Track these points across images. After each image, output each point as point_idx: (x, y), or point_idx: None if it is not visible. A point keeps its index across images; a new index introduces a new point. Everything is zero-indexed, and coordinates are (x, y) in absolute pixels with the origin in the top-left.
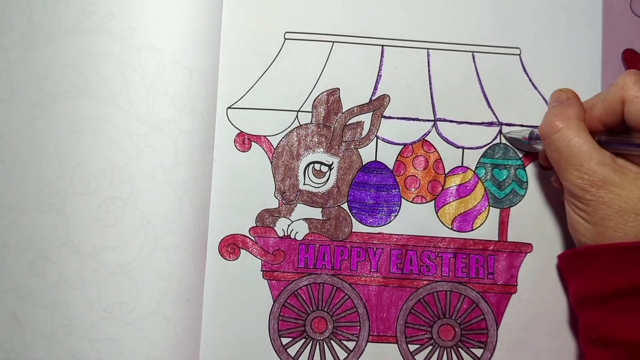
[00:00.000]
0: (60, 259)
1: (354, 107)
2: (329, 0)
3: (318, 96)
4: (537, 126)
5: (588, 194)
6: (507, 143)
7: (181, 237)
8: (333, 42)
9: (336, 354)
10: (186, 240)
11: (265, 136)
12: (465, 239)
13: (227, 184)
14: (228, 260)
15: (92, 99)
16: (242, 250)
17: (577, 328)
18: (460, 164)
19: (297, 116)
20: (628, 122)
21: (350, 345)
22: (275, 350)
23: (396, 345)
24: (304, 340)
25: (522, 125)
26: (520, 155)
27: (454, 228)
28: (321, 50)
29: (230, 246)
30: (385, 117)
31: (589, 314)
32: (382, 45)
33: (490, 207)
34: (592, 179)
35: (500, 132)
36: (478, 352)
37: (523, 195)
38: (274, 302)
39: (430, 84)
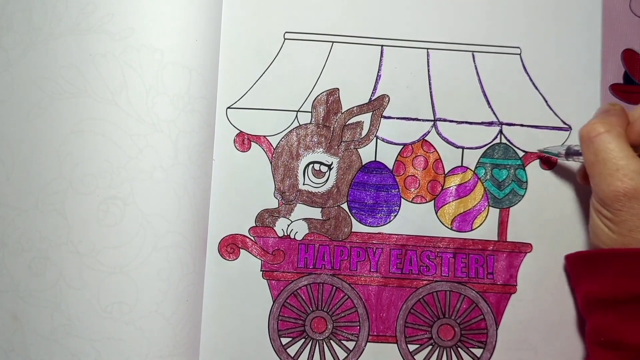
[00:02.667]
0: (60, 259)
1: (353, 107)
2: (329, 0)
3: (317, 96)
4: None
5: (618, 202)
6: (507, 143)
7: (181, 237)
8: (332, 42)
9: (336, 354)
10: (186, 240)
11: (264, 136)
12: (465, 238)
13: (226, 184)
14: (228, 260)
15: (91, 99)
16: (241, 250)
17: (577, 328)
18: (460, 164)
19: (296, 116)
20: None
21: (350, 345)
22: (274, 350)
23: (396, 345)
24: (303, 340)
25: (521, 125)
26: (520, 155)
27: (454, 228)
28: (321, 50)
29: (230, 246)
30: (385, 117)
31: (598, 316)
32: (382, 45)
33: (490, 207)
34: (625, 187)
35: (500, 132)
36: (478, 352)
37: (523, 195)
38: (274, 302)
39: (430, 84)
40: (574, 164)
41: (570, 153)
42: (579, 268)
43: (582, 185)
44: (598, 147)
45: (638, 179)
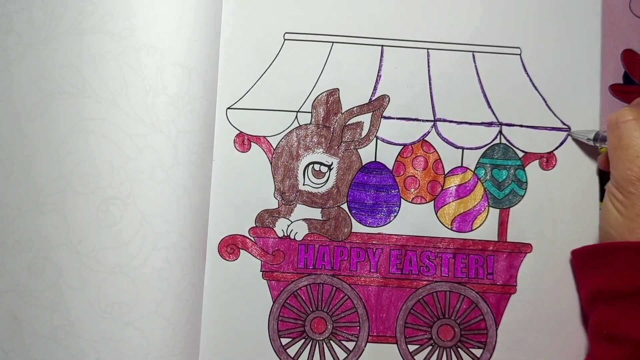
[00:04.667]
0: (60, 259)
1: (353, 108)
2: (329, 1)
3: (317, 96)
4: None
5: (632, 186)
6: (507, 143)
7: (180, 237)
8: (332, 42)
9: (336, 354)
10: (185, 240)
11: (264, 136)
12: (465, 239)
13: (226, 185)
14: (228, 260)
15: (91, 99)
16: (241, 251)
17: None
18: (460, 164)
19: (296, 116)
20: None
21: (350, 345)
22: (274, 351)
23: (396, 345)
24: (303, 340)
25: (521, 126)
26: (520, 156)
27: (454, 228)
28: (321, 50)
29: (230, 246)
30: (385, 118)
31: (602, 310)
32: (382, 46)
33: (490, 208)
34: None
35: (500, 132)
36: (477, 352)
37: (522, 196)
38: (274, 302)
39: (430, 84)
40: (575, 162)
41: (597, 138)
42: (585, 262)
43: (591, 178)
44: (623, 132)
45: None
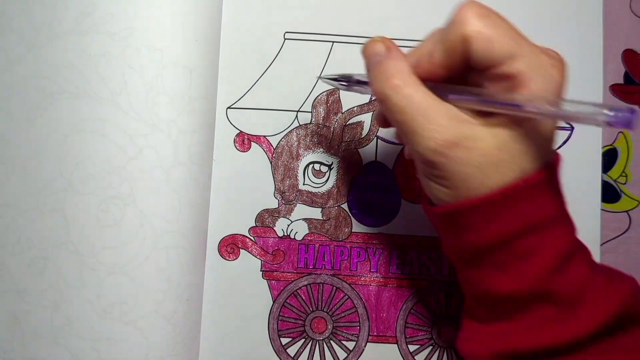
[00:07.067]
0: (60, 259)
1: (353, 107)
2: (329, 0)
3: (318, 96)
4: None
5: (441, 156)
6: None
7: (181, 237)
8: (333, 42)
9: (336, 354)
10: (186, 240)
11: (264, 136)
12: None
13: (226, 184)
14: (228, 260)
15: (91, 99)
16: (241, 250)
17: None
18: None
19: (296, 116)
20: (474, 63)
21: (350, 345)
22: (274, 351)
23: (396, 345)
24: (303, 340)
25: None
26: None
27: None
28: (321, 50)
29: (230, 246)
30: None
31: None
32: None
33: None
34: (445, 137)
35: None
36: None
37: None
38: (274, 302)
39: None
40: (576, 162)
41: (351, 81)
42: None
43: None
44: (402, 104)
45: (452, 124)
